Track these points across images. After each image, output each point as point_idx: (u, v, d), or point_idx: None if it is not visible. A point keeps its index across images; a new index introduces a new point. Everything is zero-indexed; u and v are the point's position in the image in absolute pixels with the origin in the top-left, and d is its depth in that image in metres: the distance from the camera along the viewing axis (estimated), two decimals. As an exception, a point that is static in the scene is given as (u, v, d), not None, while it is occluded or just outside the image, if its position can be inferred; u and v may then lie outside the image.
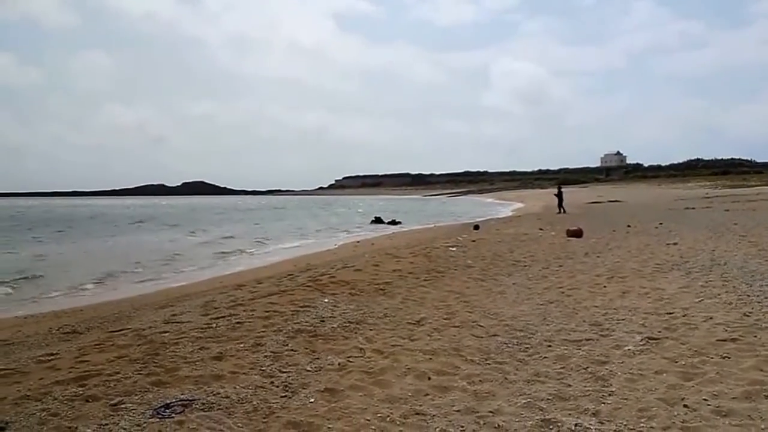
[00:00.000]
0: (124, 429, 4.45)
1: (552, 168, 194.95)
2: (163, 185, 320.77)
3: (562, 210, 35.58)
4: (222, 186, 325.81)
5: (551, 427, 4.50)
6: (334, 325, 7.59)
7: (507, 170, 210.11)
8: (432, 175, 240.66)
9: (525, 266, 12.87)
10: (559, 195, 36.98)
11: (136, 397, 5.11)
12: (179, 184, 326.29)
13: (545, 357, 6.22)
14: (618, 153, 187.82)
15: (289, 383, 5.46)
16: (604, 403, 4.94)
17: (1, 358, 7.36)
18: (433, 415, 4.76)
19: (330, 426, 4.50)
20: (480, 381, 5.53)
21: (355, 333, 7.29)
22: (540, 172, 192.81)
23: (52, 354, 7.04)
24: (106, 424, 4.53)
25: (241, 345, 6.71)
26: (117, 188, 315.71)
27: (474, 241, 18.44)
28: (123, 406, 4.92)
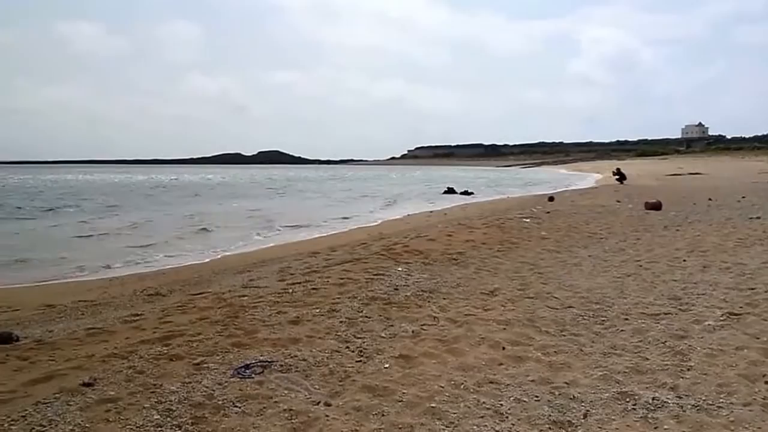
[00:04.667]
0: (207, 387, 4.61)
1: (630, 139, 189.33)
2: (239, 154, 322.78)
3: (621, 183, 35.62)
4: (296, 155, 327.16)
5: (628, 399, 4.45)
6: (408, 294, 7.65)
7: (583, 141, 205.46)
8: (506, 145, 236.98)
9: (601, 238, 12.63)
10: (618, 172, 37.03)
11: (218, 357, 5.29)
12: (255, 153, 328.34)
13: (622, 330, 6.12)
14: (700, 124, 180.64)
15: (364, 348, 5.55)
16: (682, 377, 4.84)
17: (89, 318, 7.74)
18: (508, 385, 4.76)
19: (404, 391, 4.56)
20: (555, 352, 5.49)
21: (429, 301, 7.33)
22: (618, 143, 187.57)
23: (137, 315, 7.34)
24: (190, 382, 4.71)
25: (317, 310, 6.84)
26: (195, 157, 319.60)
27: (548, 212, 18.16)
28: (205, 365, 5.10)
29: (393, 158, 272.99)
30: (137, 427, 3.96)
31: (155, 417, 4.09)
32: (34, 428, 3.99)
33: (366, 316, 6.61)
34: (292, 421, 4.04)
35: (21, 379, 5.05)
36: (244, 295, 7.85)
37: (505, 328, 6.21)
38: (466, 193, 39.91)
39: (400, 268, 9.33)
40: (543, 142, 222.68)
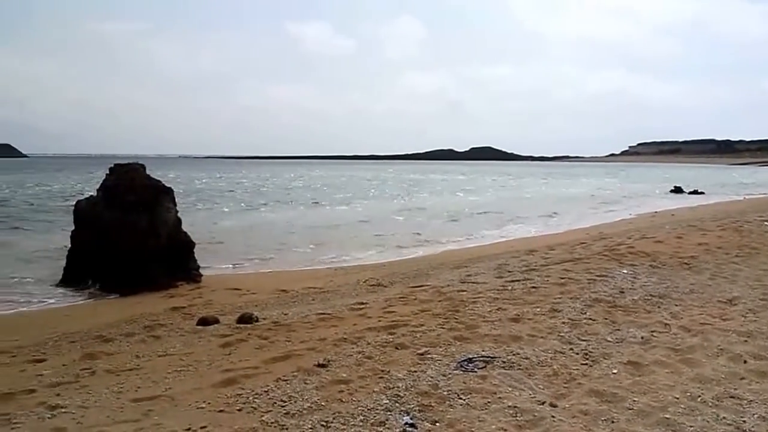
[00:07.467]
0: (431, 377, 4.70)
1: None
2: (452, 150, 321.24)
3: None
4: (509, 152, 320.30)
5: None
6: (635, 297, 7.27)
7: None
8: (741, 141, 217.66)
9: None
10: None
11: (441, 349, 5.38)
12: (467, 149, 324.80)
13: None
14: None
15: (590, 352, 5.34)
16: None
17: (319, 303, 8.25)
18: (751, 401, 4.35)
19: (635, 399, 4.32)
20: (808, 371, 4.93)
21: (658, 307, 6.91)
22: None
23: (362, 303, 7.69)
24: (415, 371, 4.83)
25: (538, 309, 6.74)
26: (409, 153, 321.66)
27: (795, 216, 16.39)
28: (429, 356, 5.21)
29: (612, 155, 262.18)
30: (368, 409, 4.13)
31: (384, 401, 4.25)
32: (275, 402, 4.32)
33: (590, 318, 6.38)
34: (517, 418, 3.99)
35: (262, 357, 5.50)
36: (462, 290, 7.94)
37: (746, 341, 5.68)
38: (695, 192, 37.46)
39: (624, 270, 8.92)
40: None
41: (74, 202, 12.08)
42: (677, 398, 4.37)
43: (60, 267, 11.14)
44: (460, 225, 21.46)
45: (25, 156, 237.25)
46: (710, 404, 4.30)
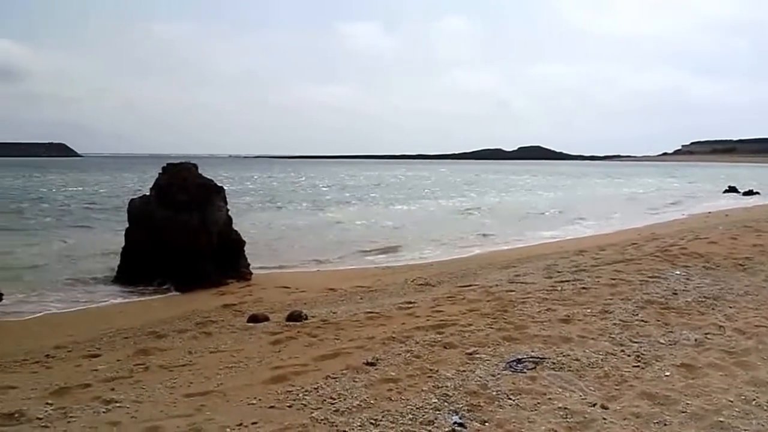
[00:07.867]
0: (480, 377, 4.69)
1: None
2: (499, 150, 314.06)
3: None
4: (558, 151, 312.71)
5: None
6: (688, 299, 7.13)
7: None
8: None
9: None
10: None
11: (489, 349, 5.36)
12: (515, 148, 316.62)
13: None
14: None
15: (642, 354, 5.26)
16: None
17: (367, 302, 8.30)
18: (810, 406, 4.23)
19: (688, 402, 4.24)
20: None
21: (713, 309, 6.76)
22: None
23: (410, 302, 7.71)
24: (464, 371, 4.82)
25: (588, 310, 6.66)
26: (456, 152, 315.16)
27: None
28: (477, 355, 5.20)
29: (665, 154, 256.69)
30: (417, 408, 4.14)
31: (433, 400, 4.25)
32: (325, 400, 4.36)
33: (642, 320, 6.28)
34: (567, 420, 3.95)
35: (311, 354, 5.57)
36: (511, 290, 7.90)
37: (803, 344, 5.53)
38: (750, 192, 36.42)
39: (677, 272, 8.76)
40: None
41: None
42: (731, 401, 4.28)
43: (116, 265, 11.40)
44: (520, 225, 21.22)
45: (79, 155, 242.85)
46: (765, 408, 4.20)
